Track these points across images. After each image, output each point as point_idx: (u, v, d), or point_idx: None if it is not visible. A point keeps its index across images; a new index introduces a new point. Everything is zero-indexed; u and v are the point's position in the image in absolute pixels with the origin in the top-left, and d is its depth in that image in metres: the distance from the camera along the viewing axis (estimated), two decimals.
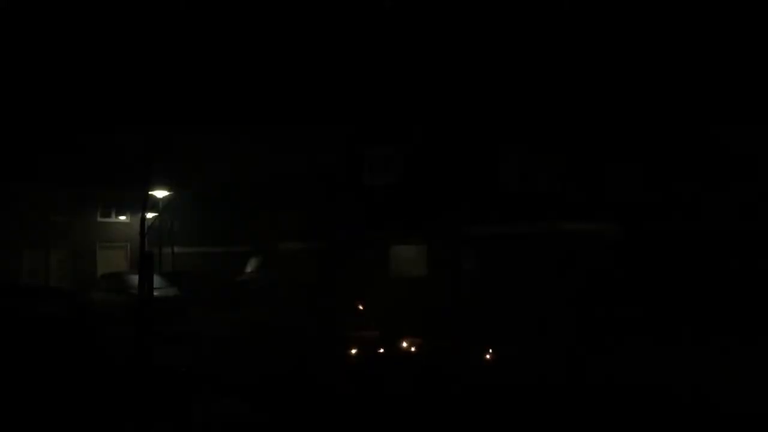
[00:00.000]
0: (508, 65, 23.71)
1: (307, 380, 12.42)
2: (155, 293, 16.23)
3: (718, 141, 22.47)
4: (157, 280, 19.61)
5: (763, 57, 20.94)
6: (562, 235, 19.76)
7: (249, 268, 31.96)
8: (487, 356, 13.87)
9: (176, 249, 32.79)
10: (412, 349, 15.28)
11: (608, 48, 23.23)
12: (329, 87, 29.09)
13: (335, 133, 27.52)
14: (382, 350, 15.16)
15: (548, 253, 19.86)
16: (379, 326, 16.95)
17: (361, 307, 17.27)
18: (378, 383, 12.07)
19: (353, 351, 15.04)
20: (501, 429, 9.38)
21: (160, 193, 26.69)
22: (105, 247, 35.00)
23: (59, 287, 28.00)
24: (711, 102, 21.59)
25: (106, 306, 23.69)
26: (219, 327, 20.72)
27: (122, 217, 35.69)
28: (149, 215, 18.68)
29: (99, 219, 35.12)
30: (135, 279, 18.53)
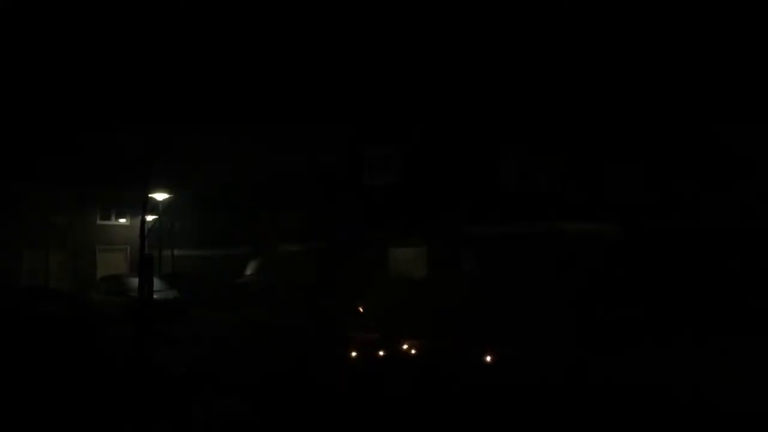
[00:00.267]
0: (508, 65, 23.71)
1: (306, 381, 12.41)
2: (155, 296, 16.24)
3: (718, 141, 22.47)
4: (156, 283, 19.61)
5: (763, 57, 20.94)
6: (562, 236, 19.75)
7: (249, 271, 31.97)
8: (488, 357, 13.86)
9: (176, 251, 32.80)
10: (412, 350, 15.27)
11: (608, 48, 23.23)
12: (329, 87, 29.10)
13: (335, 134, 27.52)
14: (382, 352, 15.15)
15: (548, 253, 19.85)
16: (379, 328, 16.95)
17: (360, 309, 17.26)
18: (378, 385, 12.06)
19: (353, 353, 15.03)
20: (501, 429, 9.38)
21: (160, 196, 26.70)
22: (105, 249, 35.01)
23: (59, 289, 28.01)
24: (711, 102, 21.58)
25: (105, 308, 23.69)
26: (219, 328, 20.72)
27: (122, 220, 35.70)
28: (149, 218, 18.68)
29: (99, 221, 35.13)
30: (135, 281, 18.55)
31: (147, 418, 10.09)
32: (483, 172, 22.21)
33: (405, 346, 15.62)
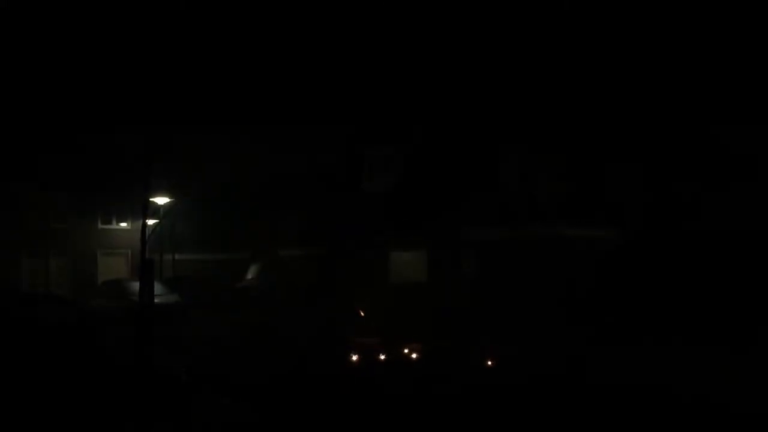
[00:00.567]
0: (508, 67, 23.68)
1: (306, 383, 12.41)
2: (156, 300, 16.23)
3: (718, 141, 22.44)
4: (157, 287, 19.58)
5: (762, 57, 20.90)
6: (562, 238, 19.72)
7: (250, 274, 31.95)
8: (488, 360, 13.85)
9: (177, 256, 32.77)
10: (413, 353, 15.26)
11: (608, 49, 23.19)
12: (329, 88, 29.07)
13: (335, 135, 27.49)
14: (382, 356, 15.14)
15: (548, 256, 19.82)
16: (379, 330, 16.93)
17: (361, 312, 17.25)
18: (379, 387, 12.05)
19: (354, 356, 15.02)
20: (502, 430, 9.40)
21: (161, 200, 26.66)
22: (106, 253, 34.97)
23: (59, 294, 27.97)
24: (711, 102, 21.55)
25: (107, 313, 23.67)
26: (220, 331, 20.72)
27: (123, 224, 35.66)
28: (150, 222, 18.65)
29: (100, 225, 35.09)
30: (136, 286, 18.52)
31: (147, 419, 10.10)
32: (483, 175, 22.19)
33: (406, 349, 15.61)
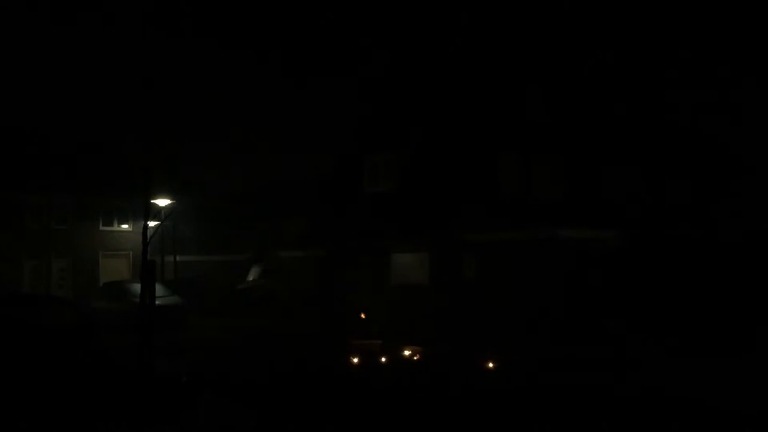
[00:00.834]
0: (509, 69, 23.73)
1: (307, 385, 12.42)
2: (157, 302, 16.25)
3: (718, 144, 22.48)
4: (159, 289, 19.63)
5: (762, 57, 20.97)
6: (562, 242, 19.74)
7: (251, 276, 32.02)
8: (489, 363, 13.87)
9: (178, 257, 32.83)
10: (414, 356, 15.28)
11: (608, 51, 23.25)
12: (330, 89, 29.16)
13: (335, 140, 27.57)
14: (383, 359, 15.16)
15: (549, 260, 19.84)
16: (380, 334, 16.96)
17: (362, 315, 17.27)
18: (379, 391, 12.05)
19: (355, 359, 15.05)
20: None
21: (162, 202, 26.72)
22: (107, 255, 35.02)
23: (60, 296, 27.99)
24: (711, 103, 21.60)
25: (108, 314, 23.69)
26: (220, 333, 20.74)
27: (124, 226, 35.73)
28: (151, 223, 18.67)
29: (101, 227, 35.15)
30: (137, 287, 18.53)
31: (147, 422, 10.11)
32: (484, 178, 22.20)
33: (407, 352, 15.63)
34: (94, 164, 35.67)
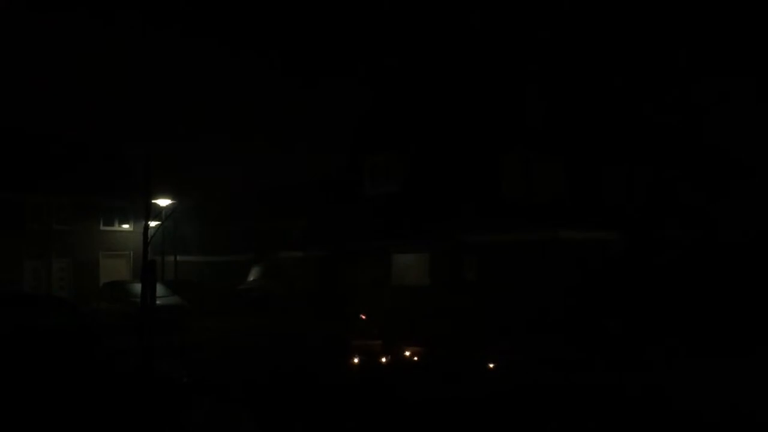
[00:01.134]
0: (510, 71, 23.72)
1: (307, 386, 12.41)
2: (158, 302, 16.24)
3: (718, 145, 22.46)
4: (159, 289, 19.61)
5: (762, 58, 20.96)
6: (564, 243, 19.73)
7: (251, 277, 32.01)
8: (490, 364, 13.85)
9: (179, 257, 32.83)
10: (415, 357, 15.27)
11: (609, 53, 23.24)
12: (330, 91, 29.18)
13: (337, 141, 27.57)
14: (384, 359, 15.15)
15: (550, 261, 19.83)
16: (381, 334, 16.95)
17: (363, 316, 17.26)
18: (379, 391, 12.04)
19: (355, 360, 15.03)
20: None
21: (163, 202, 26.71)
22: (108, 255, 35.01)
23: (60, 296, 27.97)
24: (712, 110, 21.59)
25: (108, 314, 23.68)
26: (221, 334, 20.72)
27: (125, 226, 35.73)
28: (152, 224, 18.66)
29: (102, 228, 35.14)
30: (137, 288, 18.52)
31: (147, 424, 10.09)
32: (484, 179, 22.20)
33: (407, 352, 15.61)
34: (95, 164, 35.67)
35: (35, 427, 10.14)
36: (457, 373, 13.53)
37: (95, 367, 15.41)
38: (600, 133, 22.36)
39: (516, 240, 20.56)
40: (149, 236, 14.87)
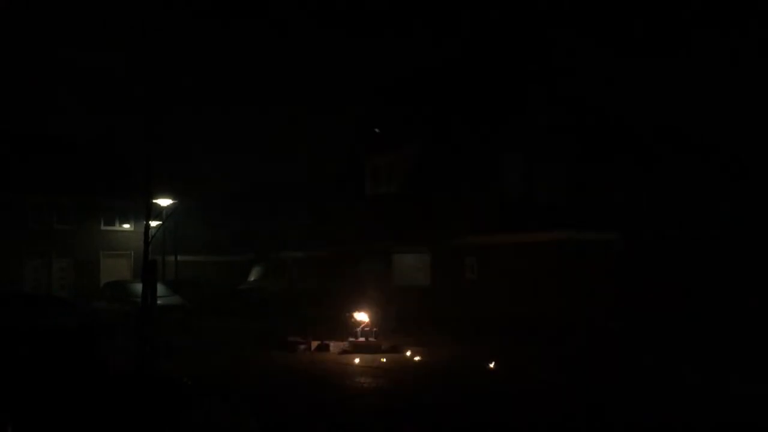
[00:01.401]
0: (511, 71, 23.72)
1: (307, 386, 12.41)
2: (159, 301, 16.24)
3: (718, 145, 22.45)
4: (160, 289, 19.61)
5: (762, 59, 20.95)
6: (565, 244, 19.72)
7: (252, 277, 32.01)
8: (491, 364, 13.87)
9: (180, 257, 32.84)
10: (416, 357, 15.28)
11: (609, 53, 23.25)
12: (331, 92, 29.22)
13: (339, 141, 27.60)
14: (384, 359, 15.17)
15: (551, 262, 19.83)
16: (381, 335, 16.96)
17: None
18: (380, 391, 12.04)
19: (356, 360, 15.06)
20: None
21: (163, 201, 26.72)
22: (109, 255, 35.04)
23: (61, 296, 27.99)
24: (712, 111, 21.59)
25: (109, 314, 23.68)
26: (221, 334, 20.73)
27: (126, 226, 35.75)
28: (153, 223, 18.65)
29: (102, 227, 35.17)
30: (138, 287, 18.52)
31: (148, 424, 10.08)
32: (486, 180, 22.20)
33: (408, 353, 15.63)
34: (96, 164, 35.71)
35: (35, 426, 10.13)
36: (457, 374, 13.54)
37: (95, 366, 15.40)
38: (601, 134, 22.36)
39: (517, 241, 20.56)
40: (150, 236, 14.86)
